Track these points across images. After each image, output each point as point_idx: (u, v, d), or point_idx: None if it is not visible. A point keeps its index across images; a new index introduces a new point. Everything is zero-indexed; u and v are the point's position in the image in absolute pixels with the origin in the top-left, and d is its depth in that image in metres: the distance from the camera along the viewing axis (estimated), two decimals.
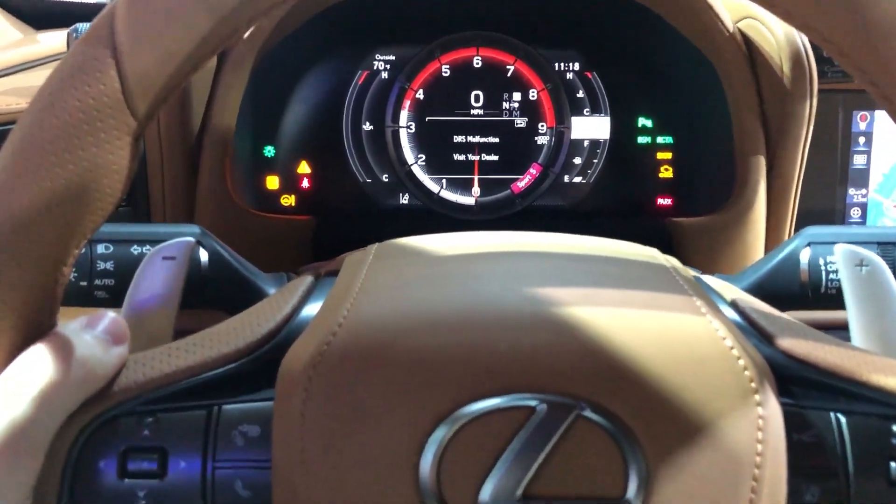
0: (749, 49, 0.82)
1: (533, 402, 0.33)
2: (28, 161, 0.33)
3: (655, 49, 0.91)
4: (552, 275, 0.41)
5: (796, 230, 0.86)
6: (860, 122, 0.89)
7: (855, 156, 0.89)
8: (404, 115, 0.93)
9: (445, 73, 0.92)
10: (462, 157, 0.93)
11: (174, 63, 0.34)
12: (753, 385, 0.34)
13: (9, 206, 0.32)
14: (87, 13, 1.09)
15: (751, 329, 0.41)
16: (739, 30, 0.82)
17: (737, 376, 0.34)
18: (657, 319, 0.36)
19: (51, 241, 0.33)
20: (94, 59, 0.33)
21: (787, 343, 0.39)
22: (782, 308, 0.59)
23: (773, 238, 0.86)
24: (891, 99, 0.33)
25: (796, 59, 0.78)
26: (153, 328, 0.49)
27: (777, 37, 0.79)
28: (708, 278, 0.50)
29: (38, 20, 1.10)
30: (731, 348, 0.35)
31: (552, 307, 0.36)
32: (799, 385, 0.38)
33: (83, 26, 0.75)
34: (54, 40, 0.97)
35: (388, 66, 0.92)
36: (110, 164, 0.34)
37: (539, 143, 0.93)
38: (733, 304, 0.44)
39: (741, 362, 0.34)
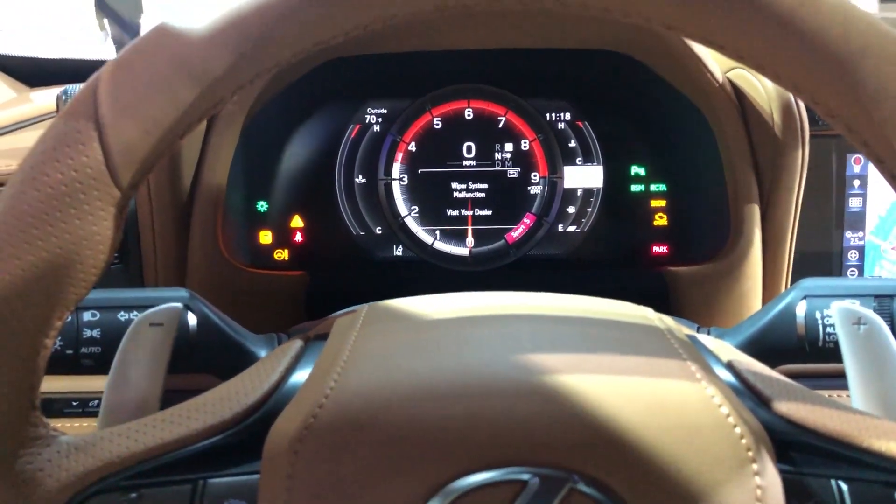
0: (739, 99, 0.82)
1: (525, 476, 0.32)
2: (9, 234, 0.32)
3: (646, 99, 0.91)
4: (543, 340, 0.40)
5: (794, 275, 0.86)
6: (854, 165, 0.89)
7: (850, 199, 0.89)
8: (397, 168, 0.93)
9: (437, 125, 0.93)
10: (455, 209, 0.93)
11: (158, 133, 0.34)
12: (751, 454, 0.33)
13: None
14: (81, 70, 1.10)
15: (747, 392, 0.40)
16: (729, 80, 0.82)
17: (733, 445, 0.33)
18: (651, 386, 0.35)
19: (33, 313, 0.33)
20: (76, 132, 0.33)
21: (784, 407, 0.38)
22: (779, 362, 0.58)
23: (770, 285, 0.85)
24: (882, 159, 0.33)
25: (787, 109, 0.78)
26: (140, 398, 0.48)
27: (767, 87, 0.80)
28: (703, 337, 0.49)
29: (32, 78, 1.11)
30: (727, 415, 0.34)
31: (543, 375, 0.36)
32: (798, 451, 0.37)
33: (73, 88, 0.76)
34: (47, 98, 0.97)
35: (379, 120, 0.93)
36: (93, 236, 0.33)
37: (532, 192, 0.93)
38: (729, 366, 0.43)
39: (737, 430, 0.34)
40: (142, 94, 0.33)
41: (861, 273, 0.90)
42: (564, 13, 0.34)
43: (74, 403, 0.78)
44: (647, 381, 0.36)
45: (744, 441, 0.33)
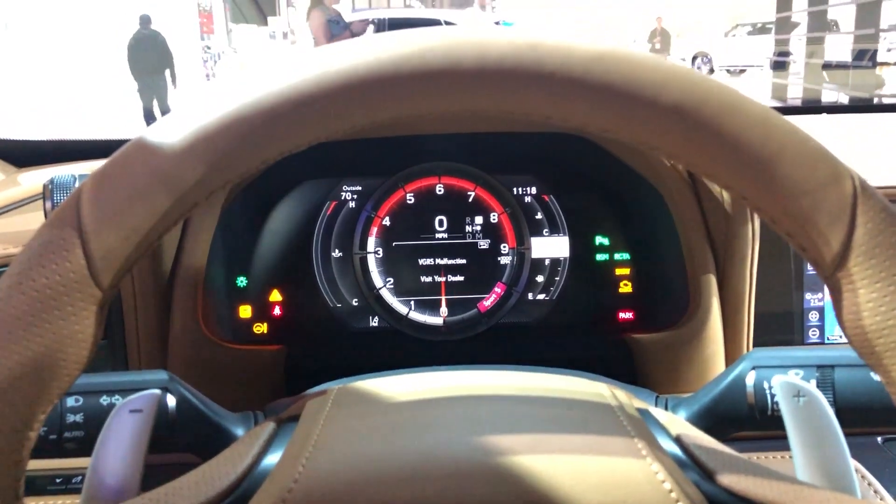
0: (692, 178, 0.86)
1: None
2: None
3: (606, 177, 0.95)
4: (501, 422, 0.42)
5: (756, 336, 0.88)
6: None
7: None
8: (371, 242, 0.96)
9: (410, 200, 0.96)
10: (429, 279, 0.96)
11: (137, 238, 0.36)
12: None
13: None
14: (68, 150, 1.14)
15: (693, 466, 0.42)
16: None
17: None
18: (599, 465, 0.38)
19: (18, 410, 0.34)
20: (60, 240, 0.35)
21: (727, 479, 0.40)
22: (732, 429, 0.60)
23: (731, 350, 0.88)
24: (804, 248, 0.36)
25: None
26: (120, 481, 0.50)
27: None
28: (655, 411, 0.52)
29: (20, 158, 1.14)
30: (670, 491, 0.37)
31: (500, 456, 0.38)
32: None
33: (58, 178, 0.78)
34: (35, 180, 1.00)
35: (355, 196, 0.96)
36: (77, 334, 0.35)
37: (502, 262, 0.97)
38: (677, 440, 0.45)
39: None
40: (122, 204, 0.36)
41: (822, 333, 0.93)
42: (508, 118, 0.37)
43: (58, 481, 0.78)
44: (596, 460, 0.38)
45: None
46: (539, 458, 0.38)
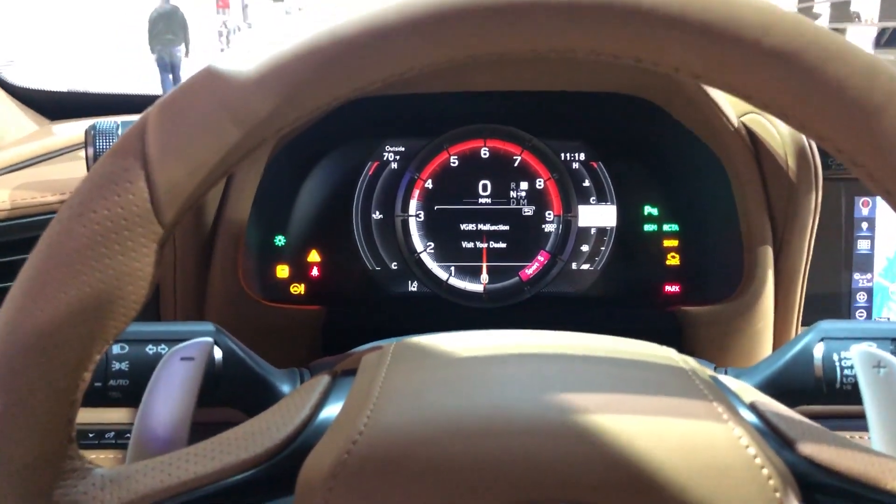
0: (754, 143, 0.83)
1: None
2: (56, 270, 0.33)
3: (660, 141, 0.92)
4: (573, 379, 0.40)
5: (804, 316, 0.86)
6: (863, 207, 0.90)
7: (859, 241, 0.90)
8: (413, 205, 0.94)
9: (454, 163, 0.94)
10: (470, 245, 0.94)
11: (202, 173, 0.35)
12: (778, 495, 0.34)
13: (35, 314, 0.33)
14: (101, 104, 1.12)
15: (771, 434, 0.41)
16: (744, 124, 0.83)
17: (761, 486, 0.34)
18: (679, 427, 0.36)
19: (74, 347, 0.33)
20: (124, 170, 0.34)
21: (808, 449, 0.38)
22: (796, 403, 0.58)
23: (781, 327, 0.86)
24: None
25: (801, 154, 0.80)
26: (170, 431, 0.49)
27: (781, 132, 0.81)
28: (724, 378, 0.50)
29: (53, 111, 1.12)
30: (755, 456, 0.35)
31: (573, 415, 0.36)
32: (822, 493, 0.37)
33: (101, 123, 0.77)
34: (70, 131, 0.99)
35: (397, 157, 0.94)
36: (136, 272, 0.34)
37: (546, 230, 0.94)
38: (752, 407, 0.43)
39: (765, 471, 0.34)
40: (188, 135, 0.34)
41: (869, 315, 0.91)
42: (595, 60, 0.36)
43: (91, 435, 0.78)
44: (676, 422, 0.36)
45: (771, 482, 0.34)
46: (616, 418, 0.36)
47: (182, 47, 9.26)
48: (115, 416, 0.76)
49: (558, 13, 0.34)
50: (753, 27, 0.33)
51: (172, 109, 0.35)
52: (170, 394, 0.50)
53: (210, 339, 0.55)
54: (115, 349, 0.57)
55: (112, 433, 0.78)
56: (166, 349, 0.56)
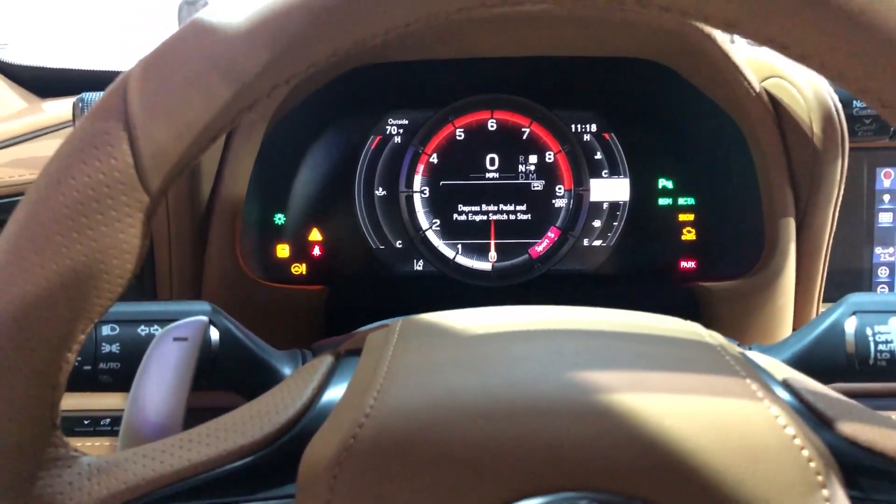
0: (776, 109, 0.80)
1: (583, 502, 0.30)
2: (33, 242, 0.31)
3: (676, 109, 0.90)
4: (595, 356, 0.38)
5: (825, 292, 0.84)
6: (885, 179, 0.88)
7: (880, 214, 0.88)
8: (418, 180, 0.91)
9: (460, 136, 0.91)
10: (478, 222, 0.91)
11: (191, 136, 0.32)
12: (820, 478, 0.31)
13: (11, 290, 0.31)
14: (92, 81, 1.09)
15: (808, 413, 0.38)
16: (766, 89, 0.80)
17: (802, 469, 0.31)
18: (712, 406, 0.33)
19: (55, 325, 0.31)
20: (104, 133, 0.31)
21: (849, 428, 0.36)
22: (827, 380, 0.56)
23: (802, 302, 0.84)
24: None
25: (827, 119, 0.76)
26: (163, 416, 0.46)
27: (806, 96, 0.78)
28: (754, 354, 0.47)
29: (43, 88, 1.10)
30: (794, 437, 0.32)
31: (598, 394, 0.33)
32: (866, 476, 0.35)
33: (89, 96, 0.74)
34: (59, 108, 0.96)
35: (401, 131, 0.91)
36: (121, 244, 0.32)
37: (557, 206, 0.91)
38: (786, 385, 0.41)
39: (805, 453, 0.32)
40: (175, 93, 0.32)
41: (892, 289, 0.89)
42: (621, 12, 0.33)
43: (86, 422, 0.76)
44: (708, 400, 0.34)
45: (812, 465, 0.31)
46: (642, 397, 0.33)
47: None
48: (110, 401, 0.75)
49: None
50: None
51: (156, 66, 0.32)
52: (162, 377, 0.47)
53: (205, 319, 0.52)
54: (105, 330, 0.55)
55: (108, 419, 0.76)
56: (159, 329, 0.54)
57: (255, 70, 0.32)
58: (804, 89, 0.78)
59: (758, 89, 0.79)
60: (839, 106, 0.77)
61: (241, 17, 0.32)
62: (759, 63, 0.82)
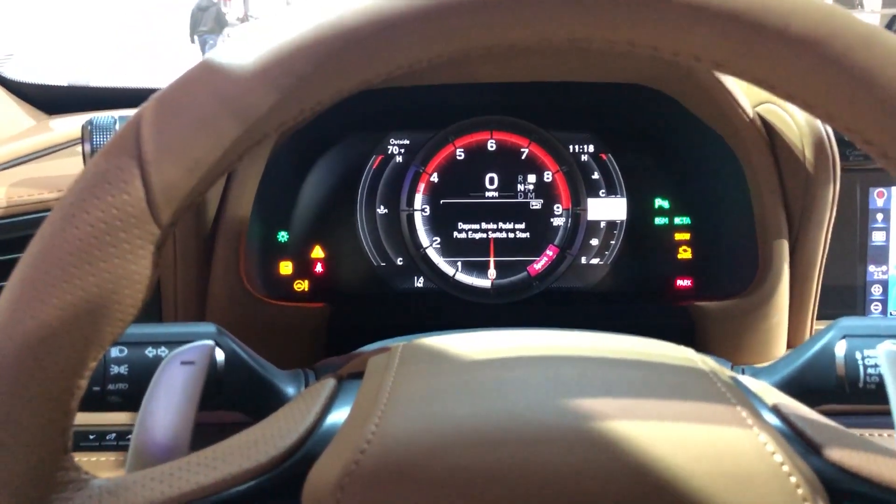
0: (769, 133, 0.81)
1: None
2: (48, 274, 0.32)
3: (671, 132, 0.91)
4: (589, 383, 0.39)
5: (820, 309, 0.85)
6: (877, 198, 0.88)
7: (874, 233, 0.89)
8: (419, 199, 0.92)
9: (460, 156, 0.92)
10: (477, 240, 0.92)
11: (201, 171, 0.33)
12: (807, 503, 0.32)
13: (27, 321, 0.32)
14: (99, 98, 1.10)
15: (797, 438, 0.39)
16: (759, 114, 0.81)
17: (789, 495, 0.32)
18: (702, 433, 0.34)
19: (68, 353, 0.32)
20: (118, 169, 0.32)
21: (837, 454, 0.37)
22: (817, 403, 0.57)
23: (796, 321, 0.84)
24: None
25: (819, 145, 0.78)
26: (170, 439, 0.47)
27: (798, 122, 0.79)
28: (745, 379, 0.48)
29: (50, 106, 1.11)
30: (782, 464, 0.33)
31: (592, 421, 0.35)
32: (852, 501, 0.36)
33: (98, 118, 0.75)
34: (67, 126, 0.97)
35: (402, 151, 0.92)
36: (132, 275, 0.33)
37: (555, 224, 0.93)
38: (775, 410, 0.42)
39: (793, 479, 0.33)
40: (186, 132, 0.33)
41: (885, 308, 0.89)
42: (609, 50, 0.34)
43: (91, 437, 0.76)
44: (698, 428, 0.35)
45: (800, 491, 0.32)
46: (636, 424, 0.34)
47: (217, 38, 10.50)
48: (116, 417, 0.75)
49: (573, 2, 0.32)
50: (779, 13, 0.31)
51: (168, 105, 0.33)
52: (170, 400, 0.48)
53: (211, 342, 0.53)
54: (114, 352, 0.56)
55: (113, 434, 0.77)
56: (166, 351, 0.55)
57: (263, 109, 0.33)
58: (796, 115, 0.79)
59: (751, 115, 0.80)
60: (830, 133, 0.78)
61: (250, 58, 0.33)
62: (752, 89, 0.83)
